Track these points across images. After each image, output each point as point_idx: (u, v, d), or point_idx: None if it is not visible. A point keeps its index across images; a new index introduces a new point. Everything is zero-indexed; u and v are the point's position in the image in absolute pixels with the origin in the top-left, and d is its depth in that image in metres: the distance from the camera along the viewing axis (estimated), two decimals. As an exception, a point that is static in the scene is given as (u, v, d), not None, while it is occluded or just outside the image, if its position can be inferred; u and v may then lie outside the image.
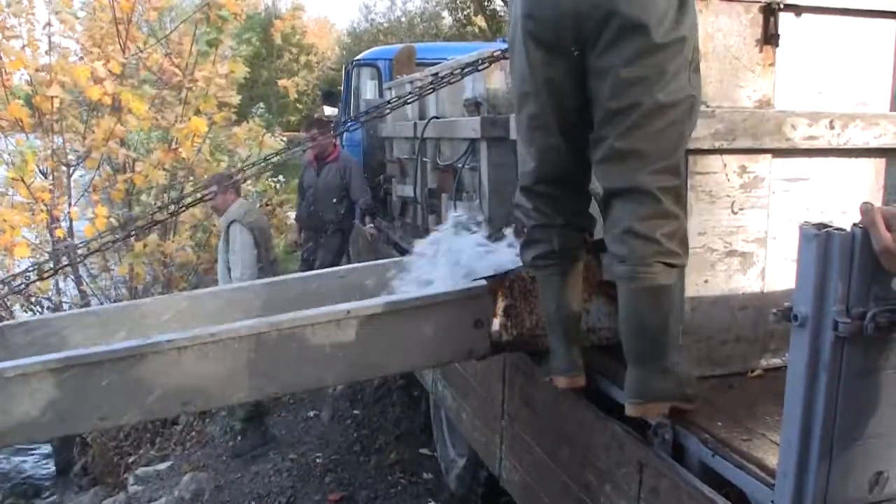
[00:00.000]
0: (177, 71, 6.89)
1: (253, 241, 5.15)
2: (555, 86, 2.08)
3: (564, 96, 2.08)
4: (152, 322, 2.85)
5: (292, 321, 2.32)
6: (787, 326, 1.49)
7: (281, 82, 7.81)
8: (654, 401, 2.05)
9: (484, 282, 2.54)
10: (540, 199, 2.26)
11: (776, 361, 2.40)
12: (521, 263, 2.45)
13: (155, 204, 6.97)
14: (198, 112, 6.72)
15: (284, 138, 9.28)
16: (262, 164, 3.98)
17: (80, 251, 3.53)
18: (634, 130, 1.96)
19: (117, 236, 3.51)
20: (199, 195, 4.20)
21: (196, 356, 2.24)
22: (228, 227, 5.20)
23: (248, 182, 6.65)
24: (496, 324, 2.51)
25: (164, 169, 6.60)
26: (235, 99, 7.04)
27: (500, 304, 2.52)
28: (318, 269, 5.71)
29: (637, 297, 2.00)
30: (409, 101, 4.12)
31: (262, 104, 14.04)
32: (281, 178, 6.73)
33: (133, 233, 4.28)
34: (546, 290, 2.33)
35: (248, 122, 7.72)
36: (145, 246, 6.46)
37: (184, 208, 4.04)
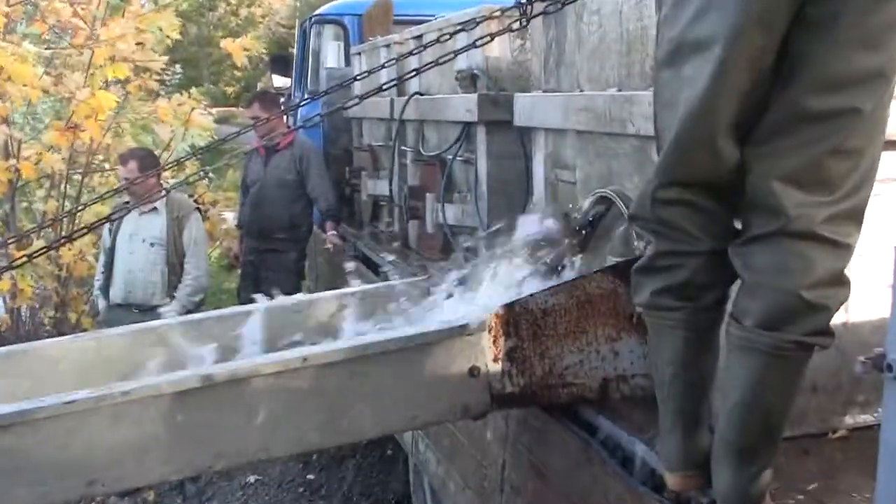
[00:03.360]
0: (81, 24, 6.82)
1: None
2: (769, 27, 1.80)
3: (769, 51, 1.82)
4: (44, 373, 2.82)
5: (231, 372, 2.31)
6: (879, 376, 1.49)
7: (225, 43, 7.69)
8: None
9: (481, 315, 2.54)
10: (677, 211, 2.02)
11: (865, 419, 2.41)
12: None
13: (47, 199, 6.96)
14: (107, 83, 6.69)
15: (213, 114, 9.17)
16: (200, 151, 3.97)
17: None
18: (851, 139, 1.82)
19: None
20: (121, 183, 4.20)
21: (105, 421, 2.22)
22: (177, 218, 5.40)
23: (170, 171, 6.61)
24: (497, 371, 2.52)
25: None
26: (158, 63, 7.01)
27: (502, 346, 2.52)
28: (264, 293, 5.70)
29: (770, 376, 1.93)
30: (385, 73, 4.11)
31: (179, 68, 13.77)
32: (209, 175, 6.65)
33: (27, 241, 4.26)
34: (662, 345, 2.13)
35: (184, 93, 7.63)
36: (31, 255, 6.39)
37: (89, 204, 4.04)
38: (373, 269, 5.32)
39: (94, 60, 6.61)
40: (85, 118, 6.45)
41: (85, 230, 3.12)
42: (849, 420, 2.42)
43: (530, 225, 3.10)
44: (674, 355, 2.10)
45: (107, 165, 7.35)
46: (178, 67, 13.26)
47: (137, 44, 6.75)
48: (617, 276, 2.60)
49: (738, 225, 2.01)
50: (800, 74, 1.82)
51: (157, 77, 7.65)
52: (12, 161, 6.73)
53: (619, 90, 2.91)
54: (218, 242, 8.06)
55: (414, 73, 3.47)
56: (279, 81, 8.65)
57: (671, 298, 2.06)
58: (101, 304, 5.67)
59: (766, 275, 1.89)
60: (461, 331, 2.51)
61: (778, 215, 1.85)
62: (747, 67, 1.81)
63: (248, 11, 32.22)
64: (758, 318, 1.89)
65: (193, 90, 7.85)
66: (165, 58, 7.27)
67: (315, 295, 3.45)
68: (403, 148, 5.40)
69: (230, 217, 7.71)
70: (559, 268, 2.91)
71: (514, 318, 2.53)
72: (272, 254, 6.30)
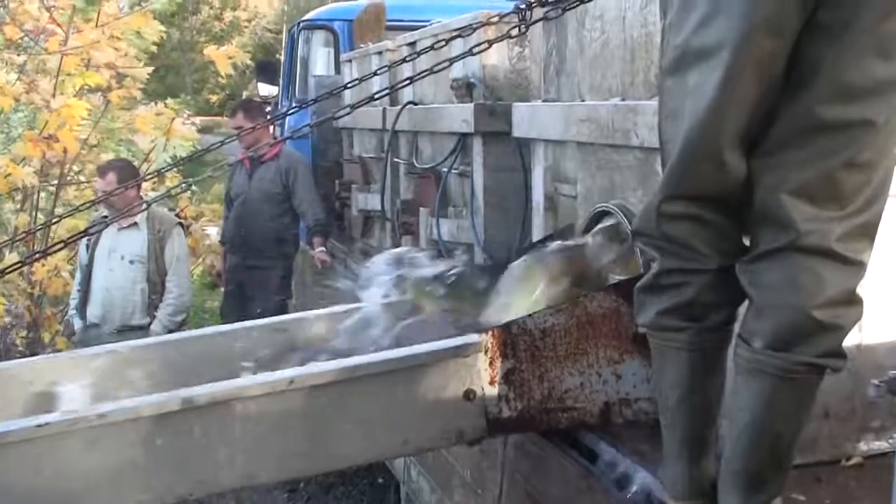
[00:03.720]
0: (56, 29, 6.83)
1: None
2: (779, 32, 1.81)
3: (778, 58, 1.83)
4: (17, 394, 2.82)
5: (213, 394, 2.31)
6: (893, 401, 1.50)
7: (208, 51, 7.72)
8: None
9: (476, 336, 2.54)
10: (683, 226, 2.02)
11: (880, 445, 2.41)
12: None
13: (18, 213, 6.94)
14: (80, 90, 6.69)
15: (196, 124, 9.18)
16: (182, 162, 3.97)
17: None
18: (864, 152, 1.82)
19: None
20: (98, 196, 4.21)
21: (80, 445, 2.21)
22: (158, 234, 5.42)
23: (151, 183, 6.61)
24: (493, 395, 2.52)
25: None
26: (143, 72, 7.02)
27: (499, 368, 2.53)
28: (250, 313, 5.70)
29: (780, 399, 1.94)
30: (377, 81, 4.13)
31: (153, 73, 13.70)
32: (192, 187, 6.64)
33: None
34: (667, 368, 2.13)
35: (163, 103, 7.64)
36: (2, 271, 6.38)
37: (64, 217, 4.04)
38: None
39: (65, 67, 6.61)
40: (57, 128, 6.45)
41: (61, 245, 3.11)
42: (863, 447, 2.42)
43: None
44: (679, 378, 2.10)
45: (83, 178, 7.35)
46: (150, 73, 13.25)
47: (118, 50, 6.75)
48: (620, 295, 2.61)
49: (747, 241, 2.02)
50: (811, 83, 1.82)
51: (142, 86, 7.65)
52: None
53: (623, 100, 2.92)
54: (201, 259, 8.07)
55: (407, 81, 3.48)
56: (265, 90, 8.66)
57: (676, 318, 2.07)
58: (77, 323, 5.66)
59: (775, 293, 1.89)
60: (456, 352, 2.51)
61: (787, 230, 1.86)
62: (755, 75, 1.82)
63: (232, 15, 32.20)
64: (767, 338, 1.90)
65: (170, 101, 7.83)
66: (150, 68, 7.26)
67: (302, 314, 3.45)
68: (396, 160, 5.41)
69: (214, 232, 7.71)
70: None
71: (512, 338, 2.54)
72: (257, 271, 6.30)
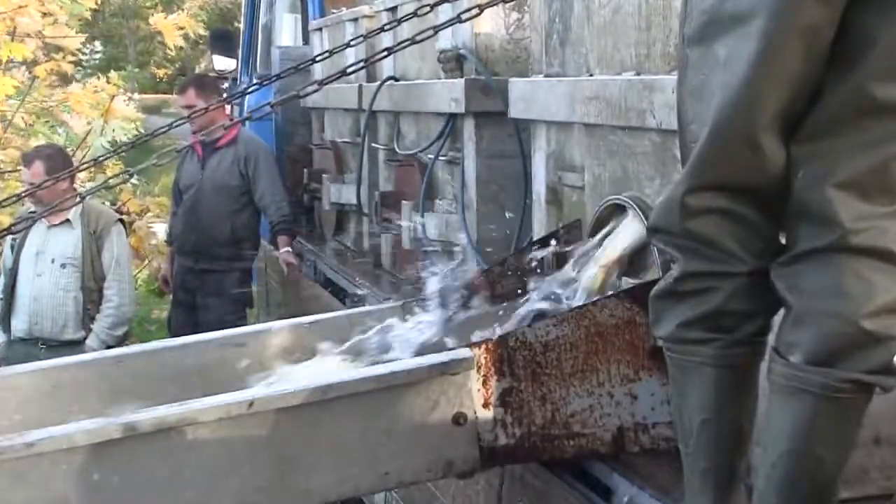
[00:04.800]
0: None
1: None
2: None
3: (826, 26, 1.83)
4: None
5: (159, 420, 2.30)
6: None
7: (155, 20, 7.66)
8: None
9: (466, 350, 2.55)
10: (709, 221, 2.02)
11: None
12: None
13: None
14: (5, 64, 6.69)
15: (138, 100, 9.12)
16: (123, 148, 3.97)
17: None
18: None
19: None
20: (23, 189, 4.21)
21: (4, 480, 2.21)
22: (95, 233, 5.43)
23: (86, 173, 6.60)
24: (488, 419, 2.52)
25: None
26: (76, 41, 7.01)
27: (494, 388, 2.53)
28: (203, 324, 5.69)
29: (822, 423, 1.93)
30: (352, 53, 4.12)
31: (99, 46, 13.65)
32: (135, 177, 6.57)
33: None
34: (689, 387, 2.13)
35: (105, 77, 7.61)
36: None
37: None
38: (337, 294, 5.32)
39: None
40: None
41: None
42: (919, 479, 2.43)
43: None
44: (704, 399, 2.10)
45: (4, 166, 7.32)
46: (97, 45, 13.19)
47: (45, 15, 6.74)
48: (635, 302, 2.61)
49: (783, 240, 2.03)
50: (863, 57, 1.83)
51: (73, 58, 7.64)
52: None
53: (637, 74, 2.93)
54: (145, 261, 8.05)
55: (386, 52, 3.49)
56: (221, 63, 8.64)
57: (701, 330, 2.06)
58: (1, 338, 5.64)
59: (816, 300, 1.90)
60: (443, 368, 2.51)
61: (832, 227, 1.87)
62: (798, 45, 1.82)
63: (181, -21, 32.17)
64: (807, 352, 1.90)
65: (113, 74, 7.79)
66: (83, 36, 7.25)
67: (264, 325, 3.45)
68: (374, 145, 5.42)
69: (161, 230, 7.70)
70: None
71: (509, 353, 2.54)
72: (211, 276, 6.29)
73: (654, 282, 2.25)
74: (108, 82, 7.32)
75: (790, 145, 1.92)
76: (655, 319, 2.17)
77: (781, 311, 2.00)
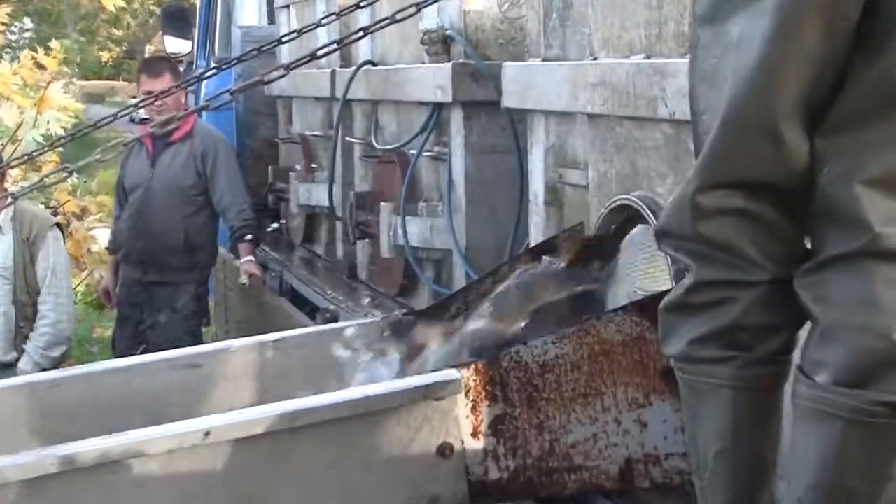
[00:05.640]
0: None
1: None
2: None
3: (851, 2, 1.85)
4: None
5: (102, 452, 2.30)
6: None
7: None
8: None
9: (453, 372, 2.55)
10: (724, 223, 2.04)
11: None
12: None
13: None
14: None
15: (78, 87, 9.14)
16: (60, 142, 3.97)
17: None
18: None
19: None
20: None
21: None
22: (28, 239, 5.39)
23: (20, 170, 6.59)
24: (477, 450, 2.52)
25: None
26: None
27: (485, 414, 2.53)
28: (152, 344, 5.68)
29: (853, 450, 1.93)
30: (324, 33, 4.12)
31: (29, 23, 13.66)
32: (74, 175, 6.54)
33: None
34: (704, 412, 2.15)
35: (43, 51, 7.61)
36: None
37: None
38: (306, 308, 5.32)
39: None
40: None
41: None
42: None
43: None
44: (720, 426, 2.10)
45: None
46: (27, 22, 13.19)
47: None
48: (644, 316, 2.62)
49: (808, 244, 2.03)
50: (892, 39, 1.84)
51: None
52: None
53: (647, 57, 2.94)
54: (86, 271, 8.03)
55: (363, 33, 3.49)
56: (174, 45, 8.66)
57: (716, 347, 2.07)
58: (-77, 357, 5.62)
59: (846, 312, 1.90)
60: (427, 393, 2.51)
61: (861, 230, 1.87)
62: (817, 21, 1.83)
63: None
64: (835, 371, 1.90)
65: (55, 43, 7.72)
66: (7, 7, 7.25)
67: (222, 344, 3.44)
68: (349, 139, 5.43)
69: (102, 235, 7.69)
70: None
71: (502, 375, 2.55)
72: (161, 288, 6.27)
73: (666, 293, 2.24)
74: (47, 54, 7.28)
75: (814, 138, 1.92)
76: (665, 335, 2.17)
77: (807, 326, 2.00)
